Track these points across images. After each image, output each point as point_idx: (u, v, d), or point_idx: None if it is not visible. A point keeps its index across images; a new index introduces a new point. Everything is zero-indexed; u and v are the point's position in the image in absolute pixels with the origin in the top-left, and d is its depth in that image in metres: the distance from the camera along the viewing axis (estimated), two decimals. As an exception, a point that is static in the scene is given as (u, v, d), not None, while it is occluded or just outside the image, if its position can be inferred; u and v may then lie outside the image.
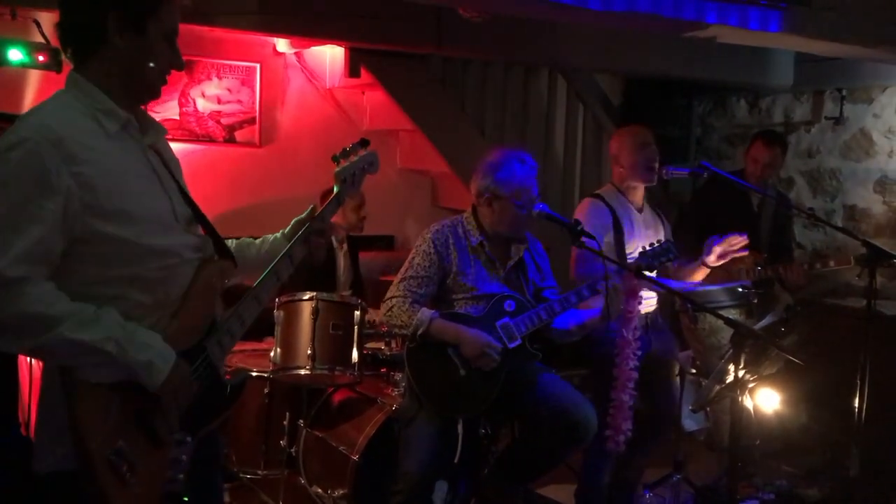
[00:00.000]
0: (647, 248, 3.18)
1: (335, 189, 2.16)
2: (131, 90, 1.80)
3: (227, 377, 1.97)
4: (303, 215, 2.16)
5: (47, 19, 4.35)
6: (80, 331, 1.62)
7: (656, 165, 3.52)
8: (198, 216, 1.92)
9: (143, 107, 1.91)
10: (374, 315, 3.74)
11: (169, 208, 1.84)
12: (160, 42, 1.79)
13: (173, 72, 1.88)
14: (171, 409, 1.75)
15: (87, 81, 1.76)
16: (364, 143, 2.21)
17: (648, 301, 3.49)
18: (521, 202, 3.07)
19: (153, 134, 1.89)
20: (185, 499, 1.84)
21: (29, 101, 4.61)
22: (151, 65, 1.79)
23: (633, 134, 3.57)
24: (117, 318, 1.69)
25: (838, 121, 5.64)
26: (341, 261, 4.38)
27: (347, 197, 2.20)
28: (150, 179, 1.82)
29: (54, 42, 4.31)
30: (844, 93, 5.60)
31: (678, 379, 3.71)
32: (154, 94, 1.86)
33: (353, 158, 2.17)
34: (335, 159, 2.16)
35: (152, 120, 1.91)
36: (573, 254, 3.41)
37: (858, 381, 3.16)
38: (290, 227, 2.16)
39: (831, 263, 3.92)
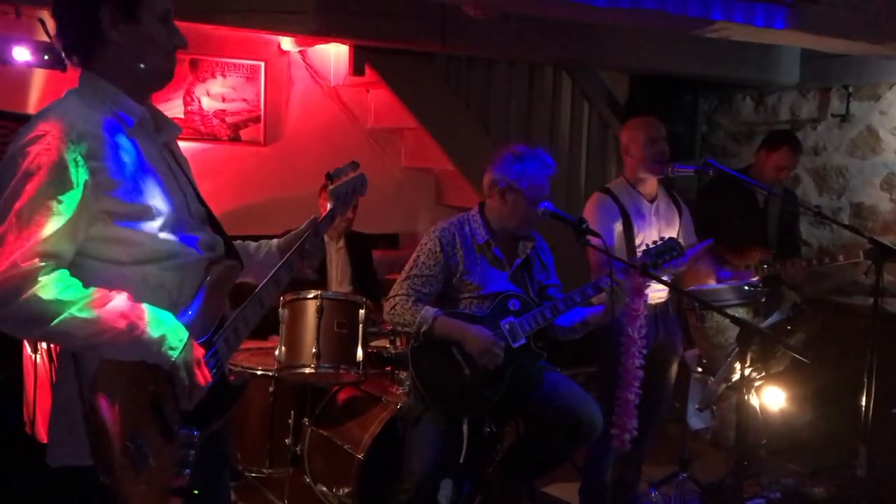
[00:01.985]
0: (650, 245, 3.16)
1: (329, 206, 2.24)
2: (142, 79, 1.82)
3: (232, 378, 1.97)
4: (301, 227, 2.19)
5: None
6: (91, 310, 1.62)
7: (667, 159, 3.51)
8: (209, 215, 1.94)
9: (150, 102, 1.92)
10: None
11: (184, 204, 1.86)
12: (156, 26, 1.80)
13: (178, 70, 1.89)
14: (185, 387, 1.74)
15: (99, 78, 1.77)
16: (354, 165, 2.31)
17: (658, 293, 3.48)
18: (533, 198, 3.06)
19: (167, 132, 1.91)
20: (196, 492, 1.84)
21: (34, 100, 4.60)
22: (153, 50, 1.80)
23: (645, 126, 3.56)
24: (127, 296, 1.69)
25: (845, 118, 5.62)
26: (333, 256, 4.37)
27: (339, 214, 2.30)
28: (166, 176, 1.84)
29: (59, 41, 4.32)
30: (851, 90, 5.57)
31: (674, 374, 3.71)
32: (166, 77, 1.88)
33: (345, 179, 2.26)
34: (329, 177, 2.23)
35: (167, 119, 1.93)
36: (592, 256, 3.41)
37: (865, 380, 3.15)
38: (284, 239, 2.21)
39: (840, 258, 3.91)
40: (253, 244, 2.21)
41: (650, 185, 3.59)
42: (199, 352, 1.78)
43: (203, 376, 1.78)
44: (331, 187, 2.23)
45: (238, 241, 2.17)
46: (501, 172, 3.11)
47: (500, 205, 3.13)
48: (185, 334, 1.74)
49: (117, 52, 1.76)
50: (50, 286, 1.60)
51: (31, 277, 1.58)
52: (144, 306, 1.70)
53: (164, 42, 1.82)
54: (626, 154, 3.61)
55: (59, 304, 1.60)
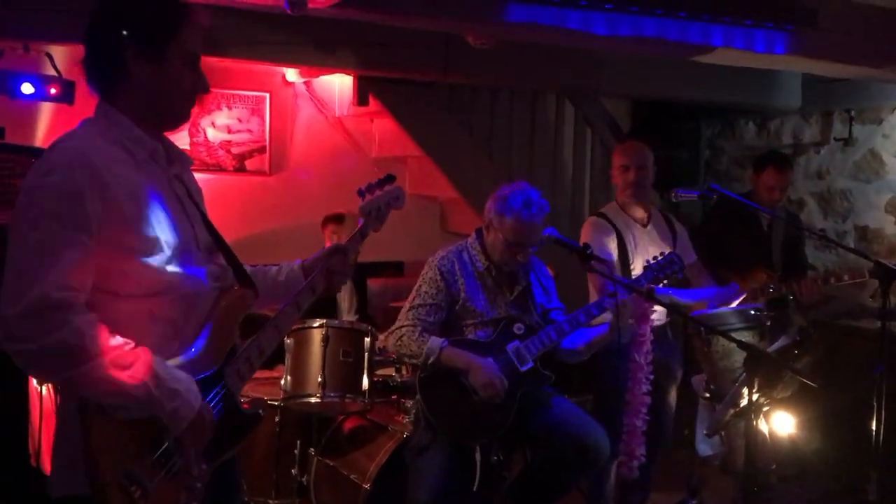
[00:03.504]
0: (651, 261, 3.18)
1: (360, 222, 2.19)
2: (157, 117, 1.83)
3: (245, 406, 1.96)
4: (326, 249, 2.17)
5: (59, 52, 4.40)
6: (115, 370, 1.62)
7: (638, 186, 3.58)
8: (220, 245, 1.94)
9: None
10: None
11: (192, 237, 1.86)
12: (181, 67, 1.81)
13: None
14: (188, 451, 1.75)
15: (115, 111, 1.79)
16: (390, 178, 2.25)
17: (655, 315, 3.47)
18: (511, 240, 3.06)
19: (179, 164, 1.92)
20: None
21: (41, 133, 4.65)
22: (174, 91, 1.81)
23: (619, 155, 3.67)
24: (150, 359, 1.68)
25: (847, 142, 5.63)
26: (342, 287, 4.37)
27: (372, 230, 2.23)
28: (175, 208, 1.84)
29: (66, 75, 4.37)
30: (853, 113, 5.59)
31: (673, 398, 3.69)
32: (182, 118, 1.89)
33: (379, 193, 2.20)
34: (360, 193, 2.19)
35: (179, 150, 1.93)
36: (595, 281, 3.42)
37: (875, 404, 3.12)
38: (311, 259, 2.17)
39: (845, 277, 3.89)
40: (274, 267, 2.17)
41: (639, 209, 3.64)
42: (208, 416, 1.77)
43: (205, 443, 1.78)
44: (361, 203, 2.17)
45: (257, 267, 2.15)
46: (489, 207, 3.15)
47: (486, 236, 3.16)
48: (197, 402, 1.73)
49: (138, 88, 1.78)
50: (79, 331, 1.59)
51: (61, 314, 1.58)
52: (164, 371, 1.69)
53: (186, 85, 1.83)
54: (612, 179, 3.72)
55: (86, 354, 1.59)
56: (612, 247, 3.52)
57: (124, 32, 1.74)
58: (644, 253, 3.50)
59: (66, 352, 1.59)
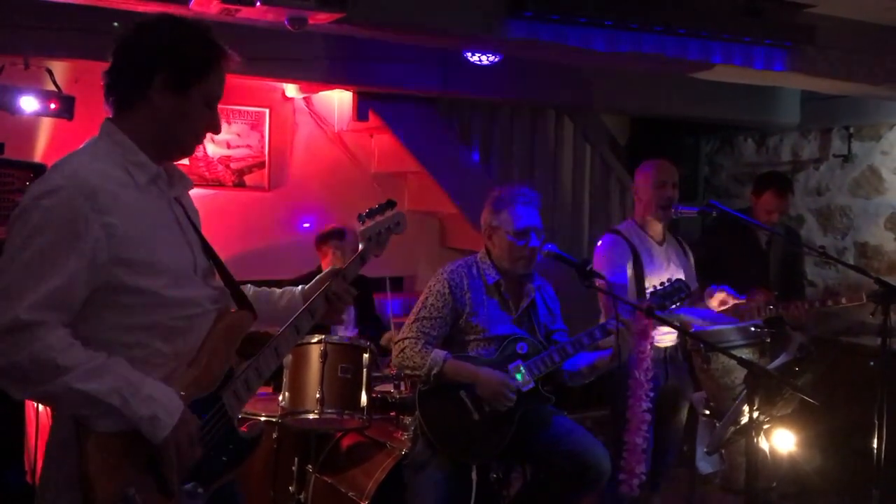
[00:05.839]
0: (658, 287, 3.16)
1: (360, 247, 2.21)
2: (163, 146, 1.83)
3: (244, 429, 1.95)
4: (324, 273, 2.17)
5: (60, 68, 4.41)
6: (87, 381, 1.61)
7: (672, 205, 3.53)
8: (218, 267, 1.94)
9: None
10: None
11: (191, 260, 1.85)
12: (200, 106, 1.81)
13: None
14: (172, 463, 1.73)
15: (120, 132, 1.78)
16: (391, 203, 2.27)
17: (669, 335, 3.46)
18: (513, 232, 3.07)
19: (179, 186, 1.92)
20: None
21: (41, 148, 4.66)
22: (187, 126, 1.82)
23: (653, 170, 3.59)
24: (125, 369, 1.68)
25: (847, 158, 5.64)
26: None
27: (373, 256, 2.24)
28: (175, 231, 1.85)
29: (66, 91, 4.39)
30: (852, 130, 5.61)
31: (683, 419, 3.67)
32: (186, 153, 1.90)
33: (379, 218, 2.23)
34: (361, 219, 2.21)
35: (181, 173, 1.94)
36: (601, 297, 3.41)
37: (876, 422, 3.10)
38: (311, 284, 2.17)
39: (843, 301, 3.88)
40: (277, 291, 2.17)
41: (658, 227, 3.61)
42: (193, 424, 1.75)
43: (192, 454, 1.75)
44: (361, 228, 2.19)
45: (261, 288, 2.15)
46: (484, 215, 3.17)
47: (492, 246, 3.16)
48: (177, 410, 1.72)
49: (153, 115, 1.78)
50: (49, 347, 1.59)
51: (30, 333, 1.58)
52: (139, 379, 1.69)
53: (199, 124, 1.83)
54: (636, 196, 3.65)
55: (56, 369, 1.59)
56: (629, 266, 3.47)
57: (159, 61, 1.75)
58: (660, 272, 3.48)
59: (34, 368, 1.59)
